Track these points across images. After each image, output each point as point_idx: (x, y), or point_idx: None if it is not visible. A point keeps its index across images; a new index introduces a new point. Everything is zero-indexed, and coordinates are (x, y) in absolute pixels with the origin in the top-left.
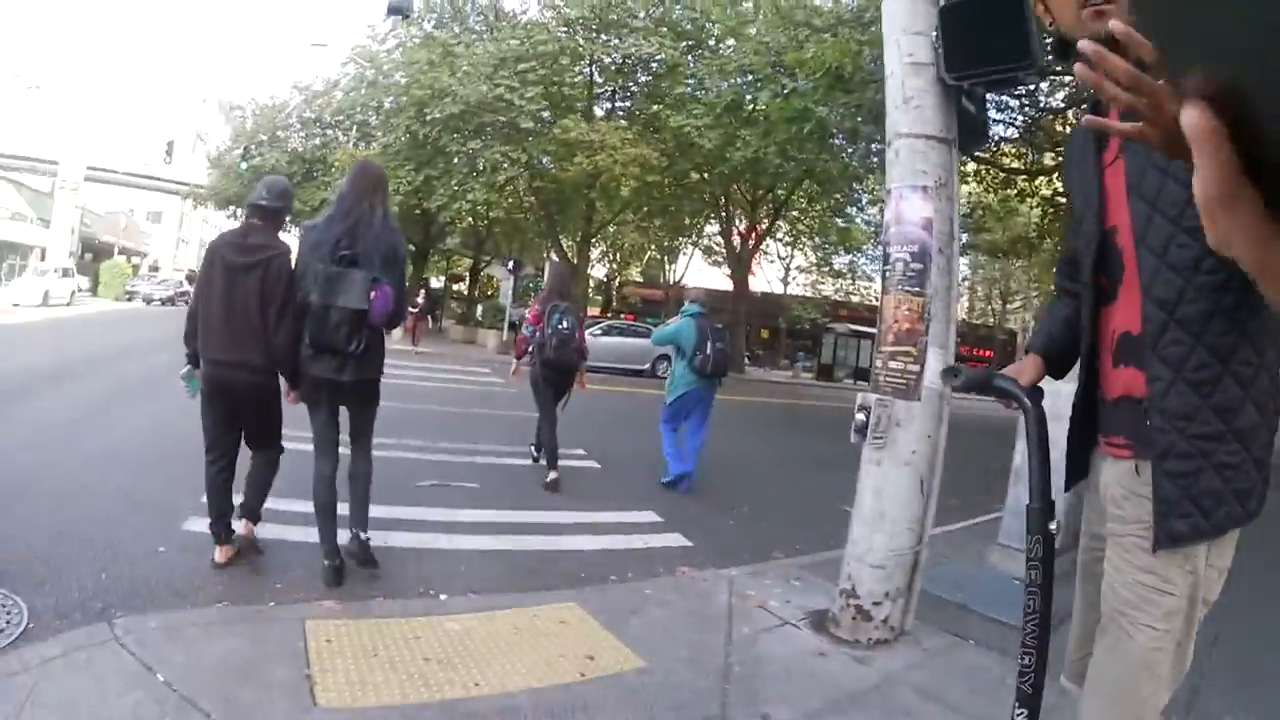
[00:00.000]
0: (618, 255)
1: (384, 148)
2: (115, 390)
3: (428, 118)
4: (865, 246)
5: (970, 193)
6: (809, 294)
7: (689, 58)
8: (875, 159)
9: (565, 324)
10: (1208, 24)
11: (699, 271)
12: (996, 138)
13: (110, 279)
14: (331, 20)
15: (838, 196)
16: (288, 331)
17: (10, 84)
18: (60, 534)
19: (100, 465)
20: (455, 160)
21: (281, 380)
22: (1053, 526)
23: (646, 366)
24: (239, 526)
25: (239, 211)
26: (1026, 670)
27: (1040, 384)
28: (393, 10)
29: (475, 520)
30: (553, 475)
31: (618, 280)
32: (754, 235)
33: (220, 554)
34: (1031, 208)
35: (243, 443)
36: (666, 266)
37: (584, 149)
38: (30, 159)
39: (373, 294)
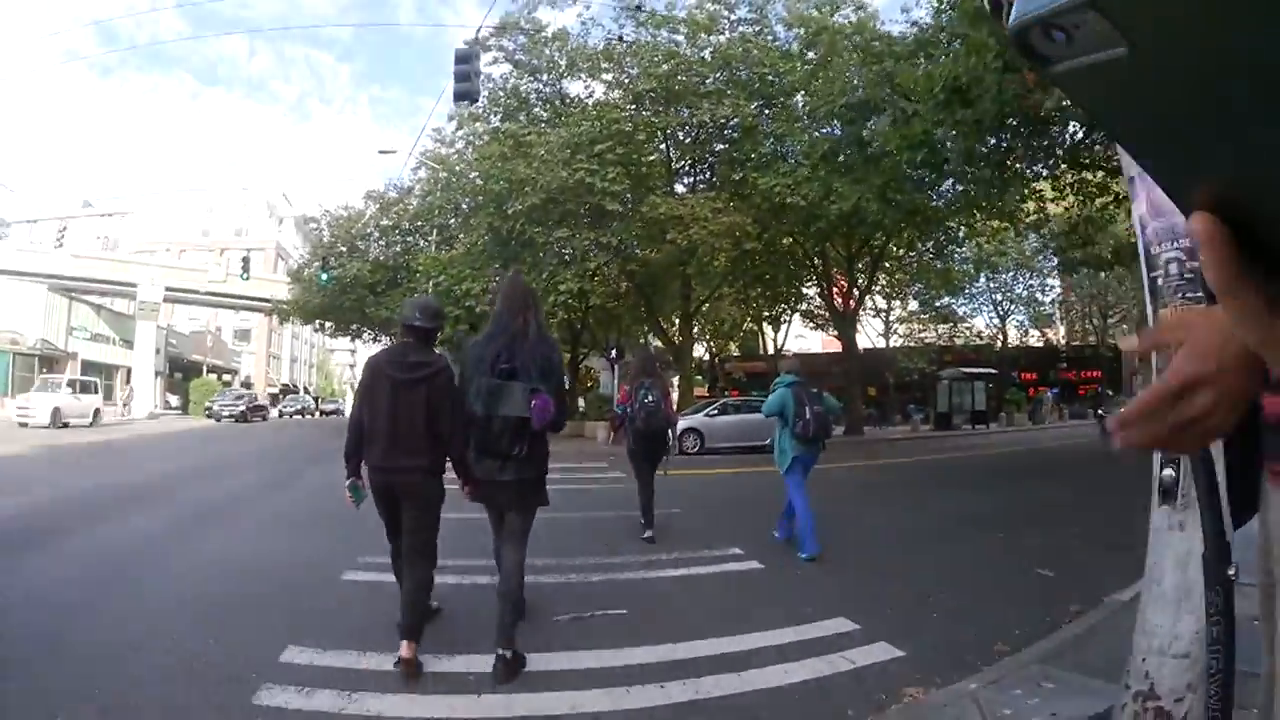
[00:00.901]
0: (718, 331)
1: (467, 248)
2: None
3: (509, 211)
4: (965, 286)
5: (1067, 207)
6: (912, 344)
7: (765, 115)
8: (992, 178)
9: (651, 398)
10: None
11: (799, 339)
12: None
13: (200, 397)
14: (393, 129)
15: (939, 236)
16: (458, 437)
17: (85, 211)
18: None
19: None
20: (542, 253)
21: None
22: (1231, 572)
23: (770, 440)
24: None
25: (326, 325)
26: None
27: None
28: (459, 96)
29: (634, 663)
30: (649, 533)
31: (719, 357)
32: (854, 291)
33: (406, 650)
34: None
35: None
36: (765, 337)
37: (674, 225)
38: (109, 281)
39: (532, 402)
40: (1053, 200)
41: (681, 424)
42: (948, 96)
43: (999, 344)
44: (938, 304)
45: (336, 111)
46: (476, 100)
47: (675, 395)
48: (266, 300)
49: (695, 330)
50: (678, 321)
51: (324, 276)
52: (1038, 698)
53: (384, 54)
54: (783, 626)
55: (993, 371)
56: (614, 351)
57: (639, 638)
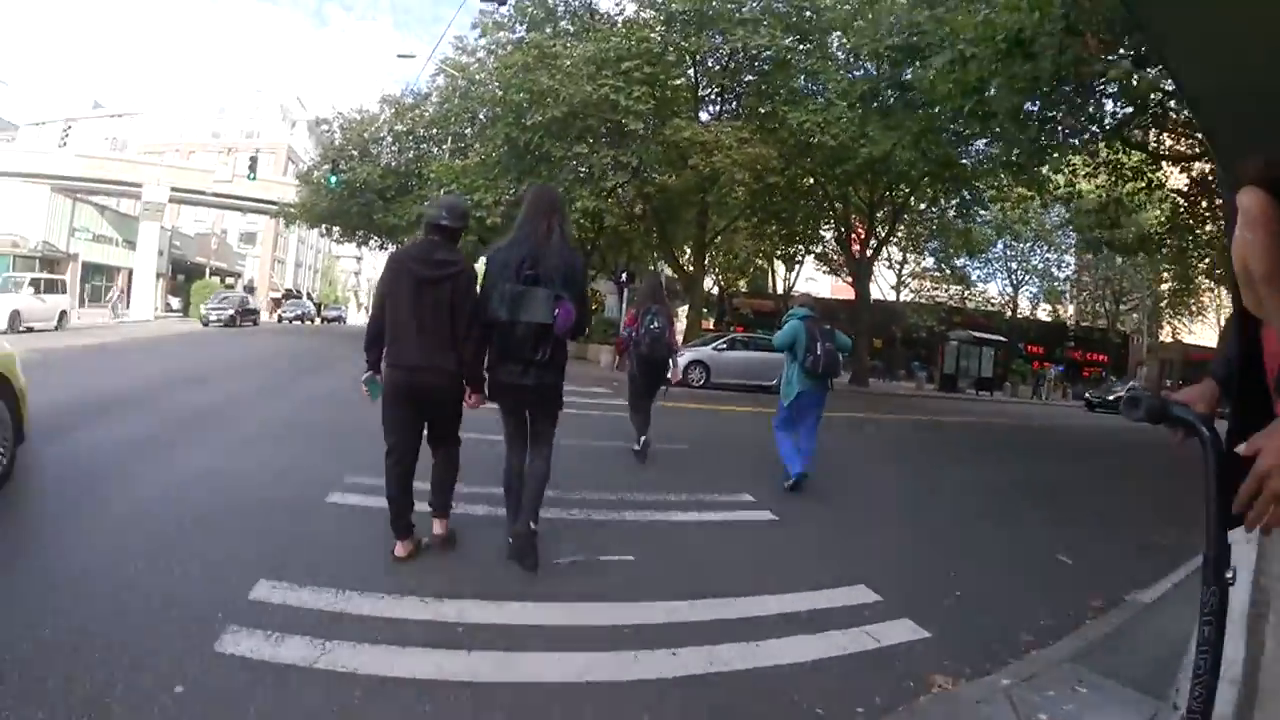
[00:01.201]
0: (731, 265)
1: (482, 159)
2: None
3: (527, 123)
4: (985, 249)
5: (1098, 185)
6: (922, 301)
7: (801, 50)
8: (1034, 140)
9: (656, 324)
10: (1263, 118)
11: (809, 281)
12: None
13: (200, 299)
14: (414, 38)
15: (964, 195)
16: (475, 340)
17: (94, 112)
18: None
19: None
20: (559, 169)
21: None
22: (1229, 575)
23: (777, 381)
24: (435, 525)
25: (333, 230)
26: None
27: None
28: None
29: (642, 622)
30: (637, 446)
31: (729, 292)
32: (872, 239)
33: (401, 549)
34: (1161, 200)
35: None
36: (776, 275)
37: (697, 150)
38: (114, 182)
39: (556, 310)
40: (1085, 176)
41: (688, 355)
42: (1009, 47)
43: (1009, 313)
44: (955, 263)
45: (357, 17)
46: (505, 1)
47: (682, 326)
48: (274, 203)
49: (708, 262)
50: (689, 251)
51: (333, 179)
52: (1073, 703)
53: None
54: (800, 590)
55: (1003, 339)
56: (623, 275)
57: (648, 591)
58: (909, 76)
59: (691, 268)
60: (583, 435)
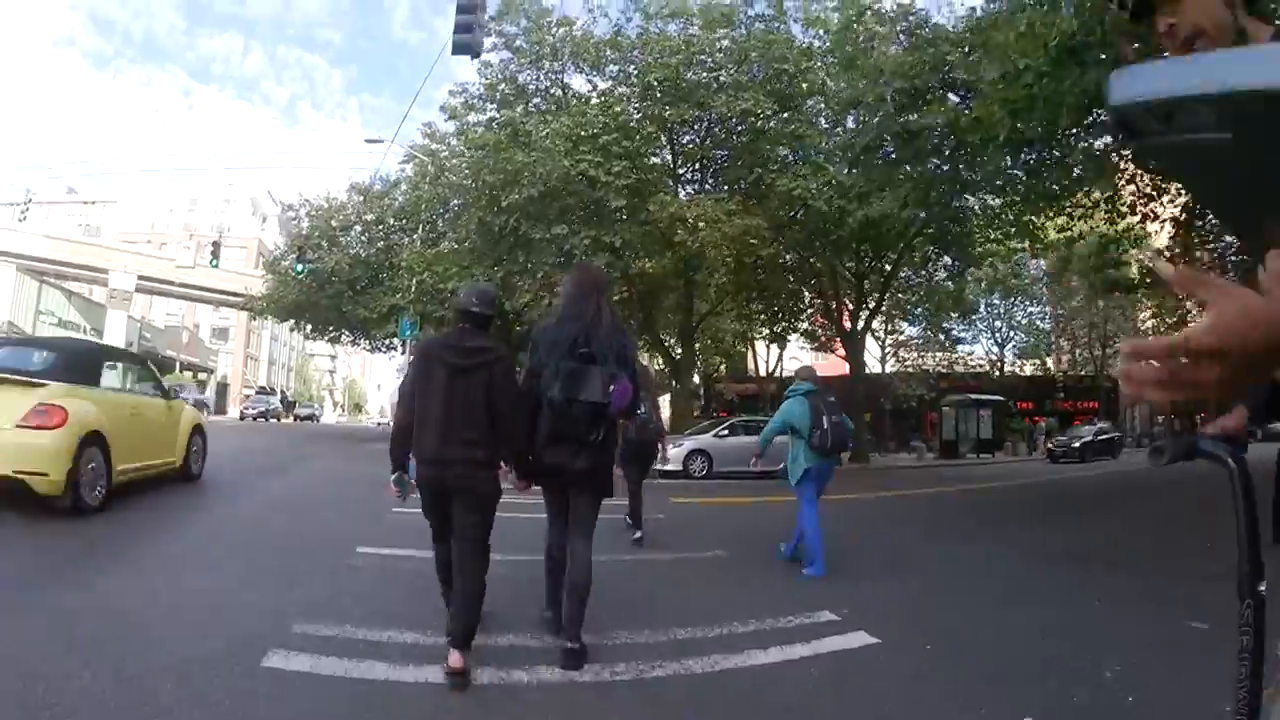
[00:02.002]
0: (719, 348)
1: (455, 246)
2: None
3: (503, 203)
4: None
5: (1092, 227)
6: (910, 370)
7: (783, 116)
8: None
9: (643, 409)
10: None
11: (792, 360)
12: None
13: None
14: (385, 131)
15: (954, 253)
16: (519, 427)
17: (69, 198)
18: None
19: None
20: (538, 252)
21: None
22: (1262, 588)
23: (782, 465)
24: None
25: (304, 324)
26: None
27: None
28: (460, 49)
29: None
30: (638, 534)
31: (712, 376)
32: (862, 311)
33: (456, 659)
34: (1156, 232)
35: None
36: (757, 357)
37: (682, 226)
38: (81, 266)
39: (611, 388)
40: (1081, 218)
41: (687, 445)
42: (1058, 55)
43: (996, 372)
44: (944, 326)
45: (326, 116)
46: (479, 54)
47: (667, 413)
48: (241, 295)
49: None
50: (673, 338)
51: (299, 267)
52: None
53: (377, 61)
54: None
55: (999, 399)
56: None
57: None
58: (915, 117)
59: (679, 354)
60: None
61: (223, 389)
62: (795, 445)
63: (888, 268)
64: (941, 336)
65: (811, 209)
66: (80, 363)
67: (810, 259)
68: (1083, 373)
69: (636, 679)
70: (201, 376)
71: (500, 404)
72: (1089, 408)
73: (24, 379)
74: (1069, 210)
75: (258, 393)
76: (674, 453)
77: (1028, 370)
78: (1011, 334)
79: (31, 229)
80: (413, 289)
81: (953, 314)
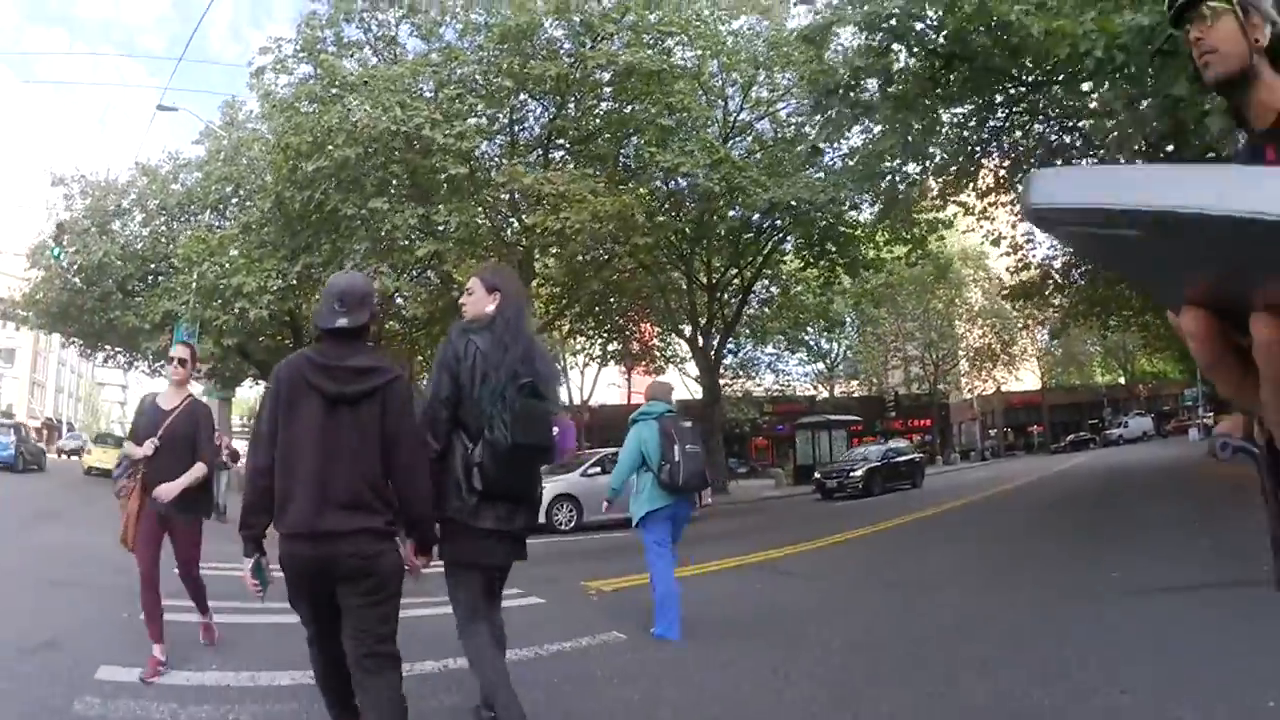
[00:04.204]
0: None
1: (243, 229)
2: None
3: (310, 170)
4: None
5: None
6: (738, 394)
7: (672, 67)
8: None
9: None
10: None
11: (612, 386)
12: None
13: None
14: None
15: (833, 257)
16: (427, 479)
17: None
18: None
19: None
20: (347, 236)
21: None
22: None
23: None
24: None
25: (72, 339)
26: None
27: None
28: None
29: None
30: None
31: None
32: (715, 324)
33: None
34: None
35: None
36: (569, 383)
37: (542, 203)
38: None
39: (555, 430)
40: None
41: (549, 489)
42: None
43: (823, 393)
44: (803, 339)
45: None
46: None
47: None
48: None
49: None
50: None
51: (56, 251)
52: None
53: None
54: None
55: (854, 418)
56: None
57: None
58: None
59: None
60: None
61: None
62: (640, 479)
63: (749, 274)
64: (802, 352)
65: (697, 192)
66: None
67: (683, 255)
68: (916, 390)
69: None
70: None
71: (401, 447)
72: (921, 425)
73: None
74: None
75: (45, 426)
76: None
77: (858, 390)
78: (843, 353)
79: None
80: (192, 285)
81: (821, 326)
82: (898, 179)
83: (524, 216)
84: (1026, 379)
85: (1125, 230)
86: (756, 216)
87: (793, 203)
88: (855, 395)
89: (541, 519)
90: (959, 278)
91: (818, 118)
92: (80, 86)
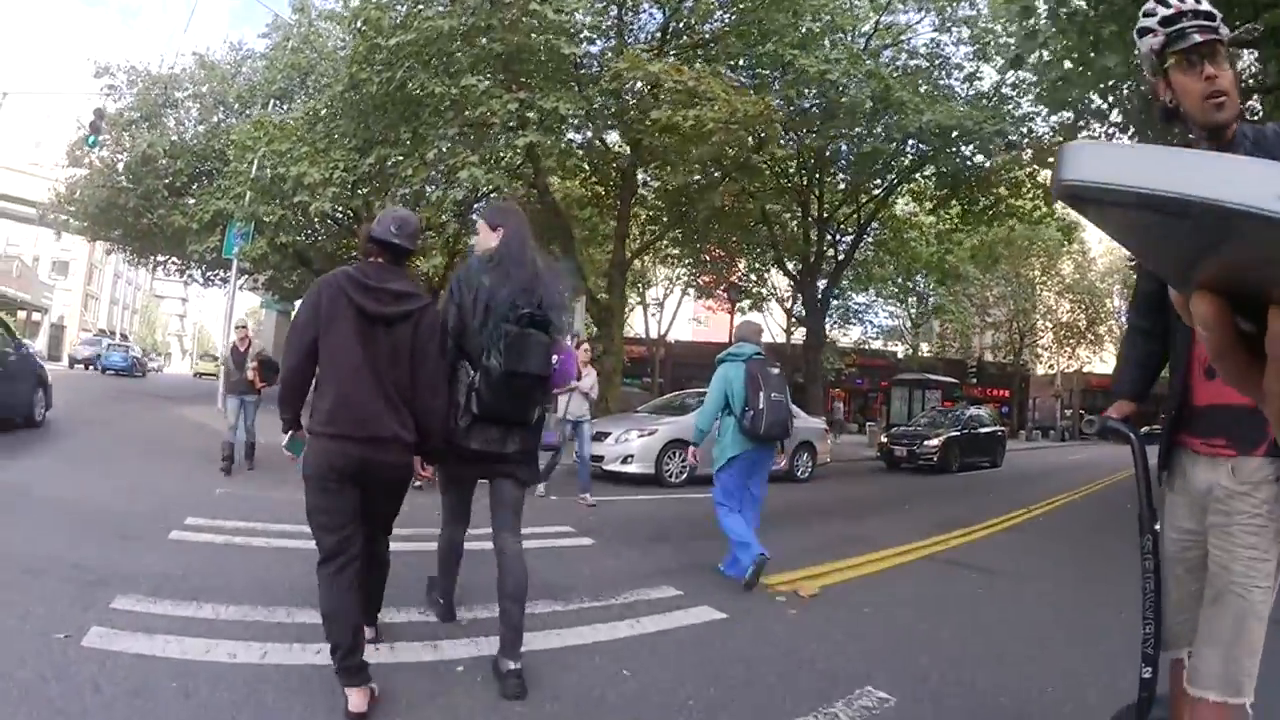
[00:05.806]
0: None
1: (310, 119)
2: None
3: (390, 44)
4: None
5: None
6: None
7: None
8: None
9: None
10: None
11: (693, 322)
12: None
13: None
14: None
15: (965, 202)
16: (446, 396)
17: None
18: None
19: None
20: (434, 122)
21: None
22: (1157, 527)
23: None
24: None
25: (113, 244)
26: (1149, 637)
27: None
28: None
29: None
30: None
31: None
32: (824, 263)
33: (358, 698)
34: None
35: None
36: (647, 315)
37: (677, 98)
38: None
39: (555, 358)
40: None
41: (666, 433)
42: None
43: (911, 351)
44: (912, 287)
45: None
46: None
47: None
48: (33, 203)
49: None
50: (593, 276)
51: (92, 139)
52: None
53: None
54: None
55: (951, 380)
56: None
57: None
58: None
59: (607, 296)
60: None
61: (58, 332)
62: (724, 424)
63: (867, 211)
64: (911, 300)
65: (842, 106)
66: None
67: (800, 184)
68: (1002, 358)
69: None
70: (36, 317)
71: (427, 363)
72: (1000, 395)
73: None
74: None
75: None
76: (634, 444)
77: (949, 353)
78: (934, 312)
79: None
80: (249, 176)
81: (939, 282)
82: (1080, 108)
83: (650, 113)
84: (1111, 362)
85: (1164, 216)
86: (894, 144)
87: (953, 128)
88: (940, 356)
89: (650, 469)
90: (1054, 247)
91: (1013, 27)
92: None
